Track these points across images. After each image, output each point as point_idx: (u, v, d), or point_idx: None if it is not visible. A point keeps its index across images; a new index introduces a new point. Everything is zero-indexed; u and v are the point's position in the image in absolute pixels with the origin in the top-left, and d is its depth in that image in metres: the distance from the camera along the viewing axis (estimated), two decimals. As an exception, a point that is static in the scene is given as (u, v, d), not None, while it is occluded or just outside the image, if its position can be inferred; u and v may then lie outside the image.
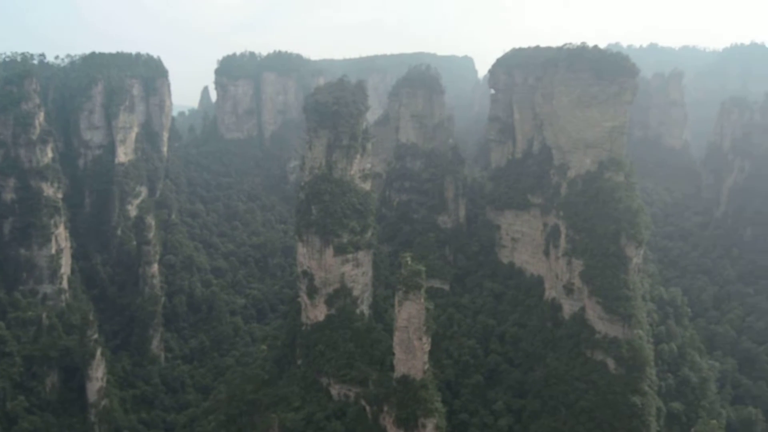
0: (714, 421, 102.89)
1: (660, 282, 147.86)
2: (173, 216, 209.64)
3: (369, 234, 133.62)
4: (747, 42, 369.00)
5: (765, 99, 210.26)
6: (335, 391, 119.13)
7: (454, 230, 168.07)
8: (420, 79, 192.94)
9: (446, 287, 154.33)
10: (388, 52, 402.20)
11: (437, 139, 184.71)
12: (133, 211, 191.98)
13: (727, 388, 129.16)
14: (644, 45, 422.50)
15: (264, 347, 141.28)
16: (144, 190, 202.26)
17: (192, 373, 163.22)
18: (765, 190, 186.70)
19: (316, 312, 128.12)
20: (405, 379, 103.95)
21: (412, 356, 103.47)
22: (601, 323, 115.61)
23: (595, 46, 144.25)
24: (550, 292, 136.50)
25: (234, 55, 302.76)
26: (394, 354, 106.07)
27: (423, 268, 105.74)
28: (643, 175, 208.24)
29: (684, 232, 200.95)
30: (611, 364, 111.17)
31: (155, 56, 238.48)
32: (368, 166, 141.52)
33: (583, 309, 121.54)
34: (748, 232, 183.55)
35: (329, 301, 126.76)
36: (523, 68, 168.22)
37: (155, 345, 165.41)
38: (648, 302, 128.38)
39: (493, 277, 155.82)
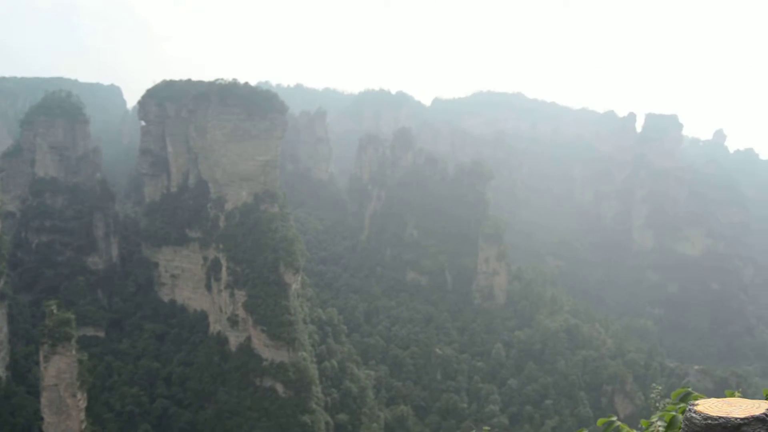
0: (374, 425, 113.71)
1: (318, 304, 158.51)
2: None
3: (1, 283, 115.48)
4: (377, 88, 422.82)
5: (393, 137, 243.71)
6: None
7: (106, 271, 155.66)
8: (59, 106, 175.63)
9: (101, 334, 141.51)
10: (18, 75, 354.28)
11: (82, 172, 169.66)
12: None
13: (382, 393, 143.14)
14: (291, 85, 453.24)
15: None
16: None
17: None
18: (397, 215, 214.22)
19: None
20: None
21: (65, 417, 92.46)
22: (267, 350, 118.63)
23: (246, 83, 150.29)
24: (215, 326, 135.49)
25: None
26: (42, 419, 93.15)
27: (72, 316, 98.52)
28: (297, 205, 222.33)
29: (336, 256, 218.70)
30: (280, 388, 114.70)
31: None
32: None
33: (249, 339, 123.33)
34: (387, 252, 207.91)
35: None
36: (176, 101, 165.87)
37: None
38: (309, 324, 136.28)
39: (154, 318, 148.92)
